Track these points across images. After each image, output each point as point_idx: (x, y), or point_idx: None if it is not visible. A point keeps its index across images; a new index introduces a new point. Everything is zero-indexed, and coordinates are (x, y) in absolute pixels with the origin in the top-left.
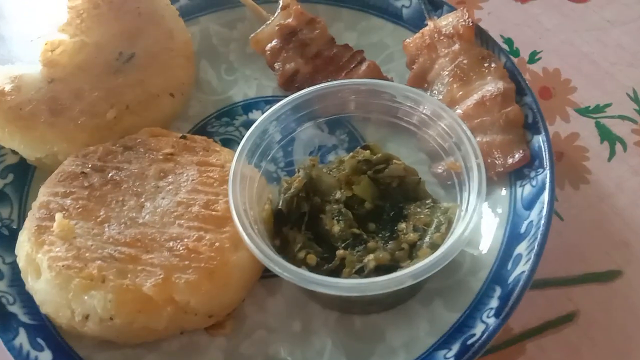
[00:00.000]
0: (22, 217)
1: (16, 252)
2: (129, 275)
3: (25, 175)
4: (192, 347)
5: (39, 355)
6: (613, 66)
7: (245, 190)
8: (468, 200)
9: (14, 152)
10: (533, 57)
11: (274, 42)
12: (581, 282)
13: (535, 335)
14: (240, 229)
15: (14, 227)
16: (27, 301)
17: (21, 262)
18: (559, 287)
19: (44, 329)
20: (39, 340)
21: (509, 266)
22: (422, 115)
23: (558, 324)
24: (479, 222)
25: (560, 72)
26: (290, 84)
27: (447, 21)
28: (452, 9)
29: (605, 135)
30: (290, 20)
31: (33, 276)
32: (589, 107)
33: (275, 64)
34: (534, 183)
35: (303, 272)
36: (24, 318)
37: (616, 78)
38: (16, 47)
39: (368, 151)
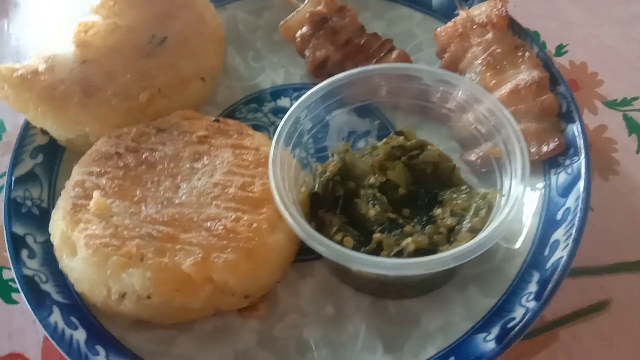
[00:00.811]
0: (52, 198)
1: (50, 230)
2: (167, 254)
3: (55, 156)
4: (226, 329)
5: (74, 333)
6: (638, 60)
7: (284, 172)
8: (510, 185)
9: (44, 132)
10: (560, 51)
11: (304, 30)
12: (613, 272)
13: (568, 322)
14: (282, 208)
15: (45, 207)
16: (60, 280)
17: (56, 241)
18: (591, 276)
19: (77, 308)
20: (73, 319)
21: (547, 252)
22: (459, 100)
23: (591, 312)
24: (522, 207)
25: (587, 65)
26: (320, 71)
27: (481, 11)
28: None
29: (634, 128)
30: (321, 7)
31: (68, 254)
32: (617, 100)
33: (306, 51)
34: (569, 171)
35: (346, 250)
36: (57, 297)
37: None
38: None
39: (402, 137)
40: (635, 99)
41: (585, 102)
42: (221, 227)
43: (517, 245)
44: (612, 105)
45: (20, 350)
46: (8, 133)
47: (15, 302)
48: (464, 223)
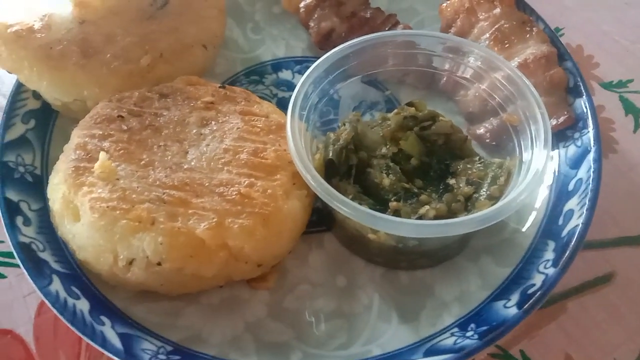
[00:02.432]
0: (45, 164)
1: (49, 195)
2: (179, 219)
3: (47, 121)
4: (234, 301)
5: (76, 303)
6: (633, 45)
7: (300, 139)
8: (531, 152)
9: (35, 97)
10: (557, 33)
11: (308, 0)
12: (616, 245)
13: (576, 294)
14: (303, 170)
15: (38, 173)
16: (57, 249)
17: (56, 205)
18: (595, 249)
19: (78, 278)
20: (74, 289)
21: (560, 222)
22: (474, 67)
23: (597, 284)
24: (545, 172)
25: (583, 48)
26: (325, 42)
27: None
28: None
29: (630, 108)
30: None
31: (70, 219)
32: (612, 81)
33: (310, 22)
34: (578, 143)
35: (371, 210)
36: (55, 265)
37: (636, 56)
38: None
39: (413, 108)
40: (629, 80)
41: None
42: (235, 192)
43: (529, 221)
44: (608, 86)
45: (9, 326)
46: None
47: (3, 276)
48: (482, 191)
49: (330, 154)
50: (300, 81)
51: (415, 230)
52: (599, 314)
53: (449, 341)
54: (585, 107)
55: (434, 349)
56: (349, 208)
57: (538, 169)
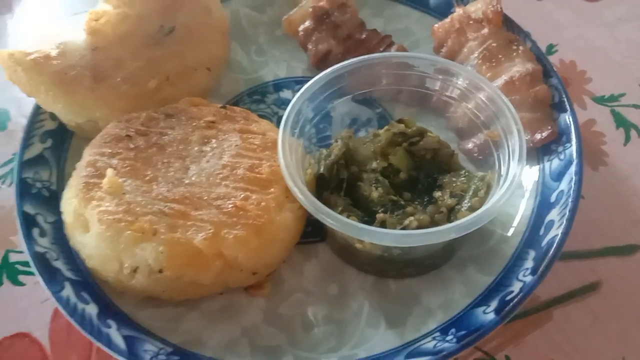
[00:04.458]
0: (60, 180)
1: (62, 208)
2: (179, 230)
3: (63, 140)
4: (232, 307)
5: (86, 307)
6: (625, 59)
7: (292, 155)
8: (508, 165)
9: (52, 118)
10: (550, 50)
11: (306, 24)
12: (603, 255)
13: (561, 302)
14: (292, 185)
15: (54, 188)
16: (70, 258)
17: (68, 218)
18: (582, 259)
19: (88, 284)
20: (84, 294)
21: (542, 232)
22: (460, 88)
23: (582, 293)
24: (519, 184)
25: (576, 63)
26: (322, 63)
27: (476, 7)
28: None
29: (621, 122)
30: (323, 2)
31: (81, 231)
32: (604, 96)
33: (308, 45)
34: (561, 157)
35: (354, 222)
36: (67, 273)
37: (629, 70)
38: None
39: (402, 125)
40: (621, 95)
41: (574, 97)
42: (230, 205)
43: (512, 230)
44: (600, 100)
45: (26, 329)
46: (12, 122)
47: (21, 284)
48: (463, 203)
49: (322, 169)
50: (293, 99)
51: (395, 240)
52: (583, 321)
53: (429, 345)
54: (569, 122)
55: (415, 352)
56: (332, 219)
57: (512, 180)
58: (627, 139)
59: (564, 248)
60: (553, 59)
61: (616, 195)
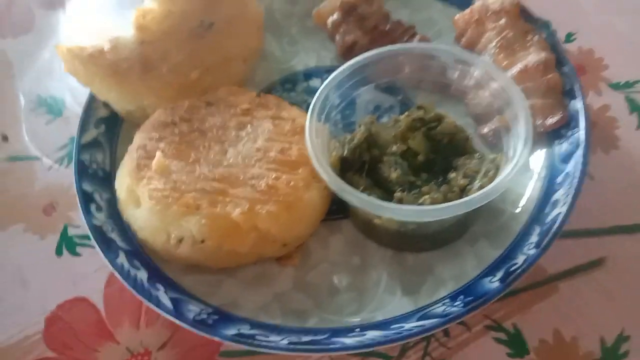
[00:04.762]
0: (113, 162)
1: (116, 186)
2: (219, 205)
3: (114, 126)
4: (265, 275)
5: (137, 272)
6: None
7: (318, 139)
8: (516, 146)
9: (105, 106)
10: (569, 38)
11: (335, 16)
12: (611, 233)
13: (568, 276)
14: (318, 166)
15: (107, 170)
16: (122, 231)
17: (122, 194)
18: (590, 237)
19: (139, 253)
20: (136, 262)
21: (547, 209)
22: (476, 77)
23: (588, 268)
24: (526, 164)
25: (593, 51)
26: (349, 53)
27: None
28: None
29: (635, 107)
30: None
31: (133, 206)
32: (620, 82)
33: (336, 36)
34: (570, 141)
35: (373, 199)
36: (121, 244)
37: None
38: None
39: (422, 111)
40: (637, 81)
41: (590, 84)
42: (263, 184)
43: (519, 208)
44: (615, 87)
45: (84, 294)
46: (67, 109)
47: (78, 254)
48: (475, 183)
49: (345, 152)
50: (321, 87)
51: (409, 215)
52: (589, 294)
53: (439, 309)
54: (579, 108)
55: (426, 315)
56: (353, 197)
57: (518, 161)
58: None
59: (573, 226)
60: (571, 46)
61: (626, 177)
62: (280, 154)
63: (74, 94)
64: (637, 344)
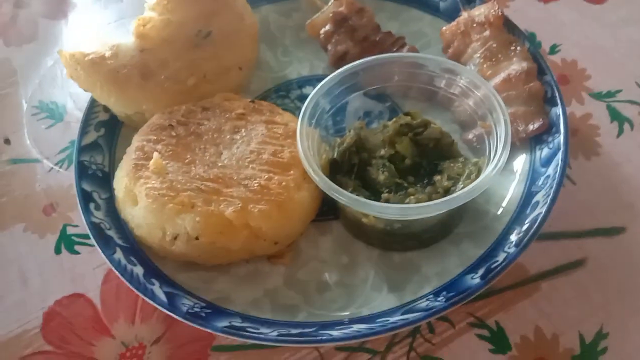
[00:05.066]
0: (112, 163)
1: (115, 186)
2: (213, 204)
3: (114, 129)
4: (257, 273)
5: (133, 268)
6: (625, 58)
7: (308, 143)
8: (496, 149)
9: (105, 110)
10: (553, 49)
11: (327, 27)
12: (591, 236)
13: (549, 276)
14: (308, 167)
15: (106, 170)
16: (119, 229)
17: (120, 194)
18: (571, 238)
19: (135, 250)
20: (132, 258)
21: (528, 211)
22: (461, 86)
23: (569, 268)
24: (506, 166)
25: (577, 62)
26: (340, 62)
27: (480, 11)
28: (483, 1)
29: (615, 116)
30: (342, 8)
31: (130, 204)
32: (602, 92)
33: (328, 46)
34: (550, 146)
35: (360, 198)
36: (118, 241)
37: (627, 68)
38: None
39: (409, 117)
40: (618, 91)
41: (573, 93)
42: (256, 184)
43: (501, 209)
44: (597, 96)
45: (81, 291)
46: (69, 114)
47: (77, 253)
48: (458, 184)
49: (335, 155)
50: (311, 93)
51: (394, 212)
52: (568, 293)
53: (423, 305)
54: (559, 115)
55: (410, 310)
56: (341, 195)
57: (497, 163)
58: (620, 131)
59: (556, 228)
60: (555, 57)
61: (606, 182)
62: (272, 156)
63: (75, 100)
64: (616, 340)
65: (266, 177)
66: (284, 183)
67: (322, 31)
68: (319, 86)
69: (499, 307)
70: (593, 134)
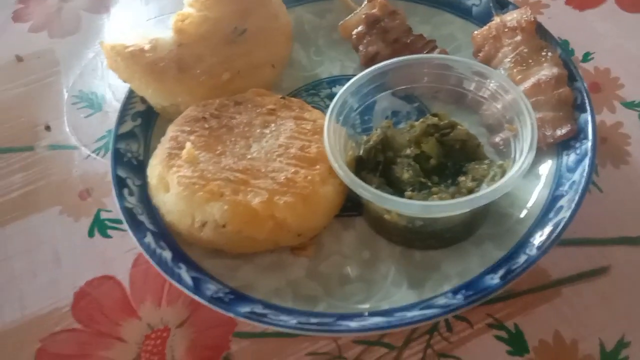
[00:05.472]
0: (146, 152)
1: (148, 173)
2: (241, 194)
3: (150, 120)
4: (280, 263)
5: (162, 252)
6: None
7: (335, 139)
8: (522, 151)
9: (142, 101)
10: (586, 57)
11: (359, 28)
12: (616, 243)
13: (571, 282)
14: (334, 162)
15: (141, 159)
16: (151, 214)
17: (153, 180)
18: (595, 245)
19: (165, 235)
20: (162, 243)
21: (551, 215)
22: (490, 89)
23: (593, 275)
24: (531, 168)
25: (610, 70)
26: (371, 63)
27: (512, 17)
28: (516, 7)
29: None
30: (375, 10)
31: (163, 191)
32: (634, 101)
33: (360, 47)
34: (578, 152)
35: (383, 193)
36: (149, 226)
37: None
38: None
39: (436, 118)
40: None
41: (604, 101)
42: (283, 177)
43: (525, 212)
44: (629, 105)
45: (112, 273)
46: (107, 104)
47: (109, 237)
48: (482, 185)
49: (361, 152)
50: (340, 90)
51: (416, 210)
52: (590, 299)
53: (441, 301)
54: (588, 121)
55: (428, 306)
56: (364, 190)
57: (522, 165)
58: None
59: (581, 235)
60: (588, 65)
61: (634, 190)
62: (300, 151)
63: (113, 92)
64: (638, 350)
65: (293, 170)
66: (309, 177)
67: (354, 32)
68: (347, 84)
69: (519, 310)
70: (623, 143)
